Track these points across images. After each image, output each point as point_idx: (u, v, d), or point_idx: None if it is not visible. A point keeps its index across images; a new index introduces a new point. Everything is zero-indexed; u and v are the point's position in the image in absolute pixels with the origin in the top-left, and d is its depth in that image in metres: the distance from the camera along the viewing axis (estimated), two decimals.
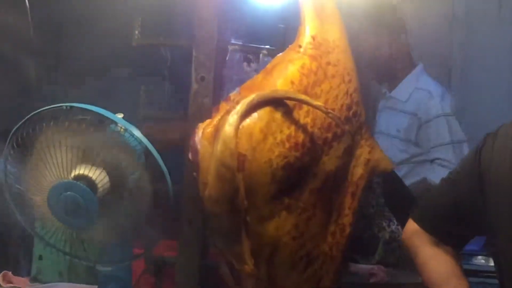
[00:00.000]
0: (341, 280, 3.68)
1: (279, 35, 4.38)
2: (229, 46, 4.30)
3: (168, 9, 4.29)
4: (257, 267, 3.40)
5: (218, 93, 3.98)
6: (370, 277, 4.25)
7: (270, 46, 4.41)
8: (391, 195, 4.70)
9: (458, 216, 3.35)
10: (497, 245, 3.27)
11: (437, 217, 3.40)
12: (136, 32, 4.42)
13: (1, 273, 4.11)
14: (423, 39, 5.97)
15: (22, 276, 4.22)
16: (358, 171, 3.55)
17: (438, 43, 7.65)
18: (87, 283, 3.92)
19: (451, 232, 3.44)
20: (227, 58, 4.29)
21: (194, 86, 3.89)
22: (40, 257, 4.19)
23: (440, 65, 7.70)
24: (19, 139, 3.38)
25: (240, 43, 4.55)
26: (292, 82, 3.36)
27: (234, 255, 3.41)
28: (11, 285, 4.05)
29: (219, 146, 3.24)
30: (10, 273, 4.15)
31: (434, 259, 3.36)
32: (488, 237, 3.39)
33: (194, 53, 3.92)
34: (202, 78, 3.88)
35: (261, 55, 4.65)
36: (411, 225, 3.43)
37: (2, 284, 4.01)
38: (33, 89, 4.93)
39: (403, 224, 4.42)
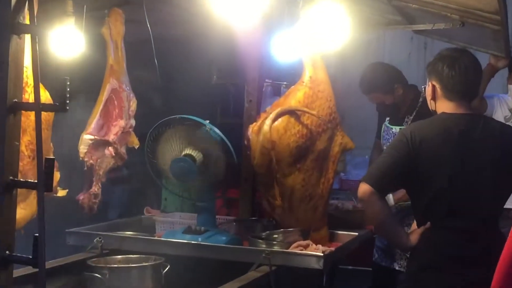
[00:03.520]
0: (327, 209, 3.75)
1: (291, 76, 4.38)
2: (264, 83, 4.33)
3: (232, 62, 4.25)
4: (282, 201, 3.50)
5: (259, 108, 4.10)
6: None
7: (286, 82, 4.39)
8: None
9: (395, 179, 2.82)
10: (421, 193, 2.83)
11: (383, 180, 2.78)
12: (215, 76, 4.43)
13: (145, 208, 4.21)
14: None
15: (156, 209, 4.30)
16: (335, 148, 3.66)
17: None
18: (191, 213, 3.93)
19: (389, 188, 3.07)
20: (263, 90, 4.32)
21: (246, 105, 4.14)
22: (166, 199, 4.29)
23: None
24: (154, 135, 3.48)
25: (270, 81, 4.53)
26: (299, 101, 3.52)
27: (270, 195, 3.53)
28: (150, 214, 4.14)
29: (261, 137, 3.42)
30: (149, 207, 4.24)
31: (383, 208, 2.83)
32: (413, 189, 2.87)
33: (246, 87, 4.17)
34: (250, 101, 4.09)
35: (281, 87, 4.68)
36: (364, 186, 2.78)
37: (145, 213, 4.17)
38: (159, 108, 4.91)
39: None
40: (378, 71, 4.33)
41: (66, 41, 3.38)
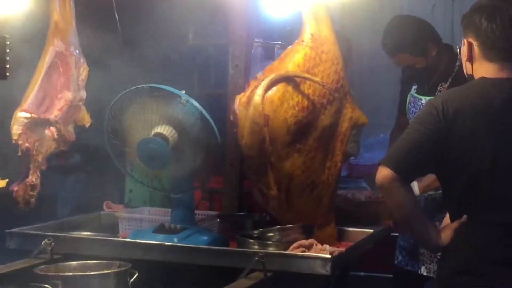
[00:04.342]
0: (334, 201, 3.74)
1: (287, 34, 4.37)
2: (253, 43, 4.33)
3: (211, 19, 4.24)
4: (278, 191, 3.48)
5: (247, 75, 4.08)
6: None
7: (282, 42, 4.40)
8: None
9: (422, 161, 2.81)
10: (454, 179, 2.82)
11: (407, 162, 2.78)
12: (190, 36, 4.43)
13: (104, 202, 4.22)
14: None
15: (118, 203, 4.32)
16: (344, 124, 3.66)
17: None
18: (163, 207, 3.98)
19: (415, 173, 2.96)
20: (252, 52, 4.31)
21: (231, 71, 4.17)
22: (131, 190, 4.32)
23: None
24: (116, 109, 3.46)
25: (261, 41, 4.53)
26: (298, 66, 3.50)
27: (263, 184, 3.51)
28: (111, 210, 4.16)
29: (251, 110, 3.38)
30: (110, 202, 4.25)
31: (408, 197, 2.83)
32: (445, 173, 2.85)
33: (230, 49, 4.20)
34: (236, 66, 4.11)
35: (275, 48, 4.69)
36: (384, 171, 2.77)
37: (105, 209, 4.19)
38: (121, 76, 4.91)
39: None
40: (407, 26, 4.27)
41: None
